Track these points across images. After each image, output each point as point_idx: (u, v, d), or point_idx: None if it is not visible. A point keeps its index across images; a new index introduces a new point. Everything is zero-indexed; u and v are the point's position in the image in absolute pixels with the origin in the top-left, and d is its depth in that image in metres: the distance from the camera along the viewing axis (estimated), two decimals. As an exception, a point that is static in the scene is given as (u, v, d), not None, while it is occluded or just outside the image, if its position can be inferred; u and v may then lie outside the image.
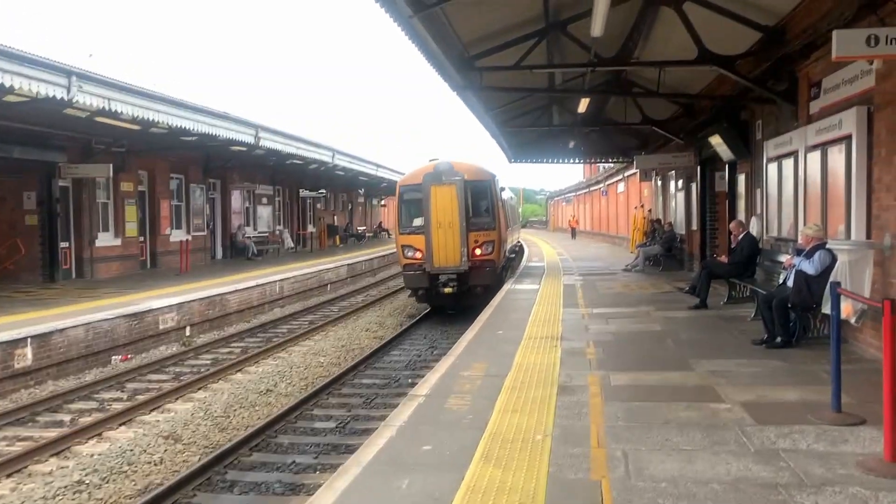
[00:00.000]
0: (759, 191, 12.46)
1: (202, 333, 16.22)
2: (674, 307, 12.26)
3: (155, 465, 7.84)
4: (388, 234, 56.11)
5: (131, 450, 8.17)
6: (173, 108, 15.05)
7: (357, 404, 10.18)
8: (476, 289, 16.37)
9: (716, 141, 13.38)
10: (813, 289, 8.21)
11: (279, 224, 33.95)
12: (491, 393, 6.63)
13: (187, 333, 15.69)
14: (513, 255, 23.69)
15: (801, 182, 9.79)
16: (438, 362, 8.24)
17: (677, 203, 20.12)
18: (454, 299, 16.74)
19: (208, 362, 13.46)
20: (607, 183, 38.67)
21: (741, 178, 13.38)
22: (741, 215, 13.39)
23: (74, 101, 11.42)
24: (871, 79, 7.81)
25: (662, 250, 19.84)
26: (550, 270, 20.90)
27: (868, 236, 7.97)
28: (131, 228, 21.28)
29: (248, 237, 28.63)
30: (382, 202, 61.89)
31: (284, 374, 12.14)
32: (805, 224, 9.02)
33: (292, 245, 33.54)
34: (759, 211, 12.48)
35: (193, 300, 16.00)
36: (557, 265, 22.97)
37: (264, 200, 31.84)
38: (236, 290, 18.04)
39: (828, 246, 8.22)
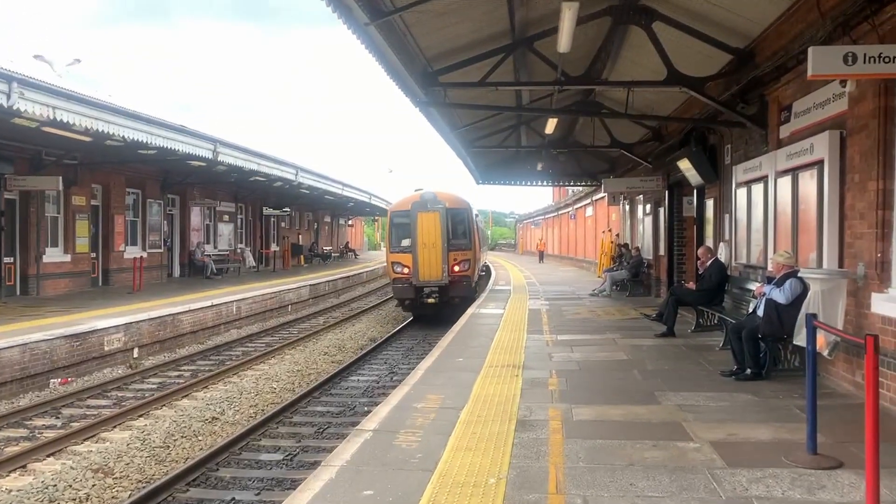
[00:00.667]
0: (727, 216, 12.21)
1: (151, 355, 15.51)
2: (640, 335, 11.90)
3: (80, 502, 7.20)
4: (355, 255, 55.56)
5: (55, 485, 7.52)
6: (128, 120, 14.42)
7: (308, 434, 9.62)
8: (454, 300, 18.94)
9: (684, 165, 13.15)
10: (784, 318, 7.88)
11: (241, 242, 33.18)
12: (445, 427, 6.13)
13: (135, 355, 14.97)
14: (483, 273, 26.09)
15: (772, 208, 9.52)
16: (391, 393, 7.72)
17: (645, 228, 19.91)
18: (435, 308, 19.18)
19: (154, 386, 12.79)
20: (575, 207, 38.58)
21: (709, 203, 13.15)
22: (709, 241, 13.14)
23: (15, 108, 10.77)
24: (843, 102, 7.55)
25: (629, 275, 19.57)
26: (517, 294, 20.50)
27: (841, 265, 7.68)
28: (82, 244, 20.45)
29: (208, 255, 27.85)
30: (350, 222, 61.29)
31: (234, 400, 11.52)
32: (775, 251, 8.72)
33: (254, 264, 32.77)
34: (727, 237, 12.22)
35: (143, 320, 15.29)
36: (524, 288, 22.60)
37: (226, 218, 31.09)
38: (189, 311, 17.34)
39: (799, 274, 7.91)
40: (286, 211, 34.68)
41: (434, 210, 18.32)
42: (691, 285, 11.57)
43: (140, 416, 10.67)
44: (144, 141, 14.91)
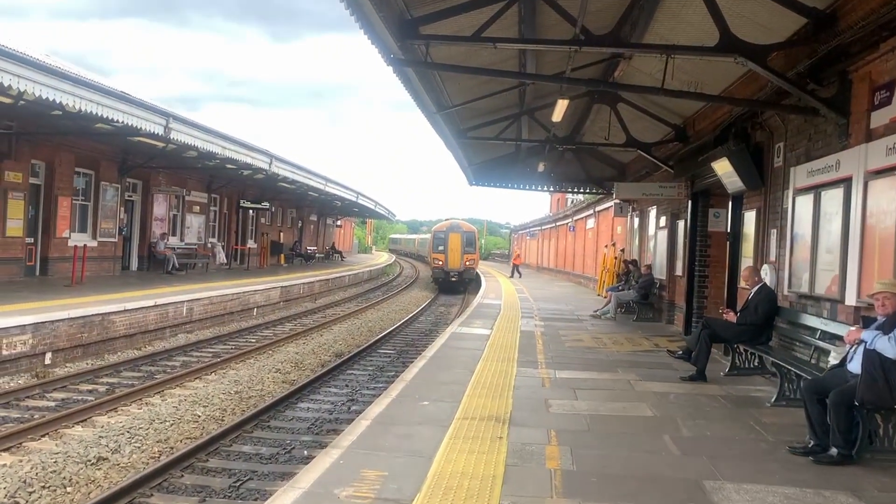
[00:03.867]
0: (774, 231, 9.74)
1: (70, 362, 12.98)
2: (662, 376, 9.37)
3: None
4: (341, 257, 52.98)
5: None
6: (51, 79, 11.85)
7: (219, 489, 7.12)
8: (465, 279, 34.35)
9: (722, 168, 10.68)
10: (893, 379, 5.41)
11: (213, 236, 30.56)
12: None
13: (46, 362, 12.41)
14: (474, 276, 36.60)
15: (857, 220, 7.04)
16: (306, 466, 5.15)
17: (658, 243, 17.42)
18: (456, 284, 34.02)
19: (53, 404, 10.25)
20: (575, 218, 36.11)
21: (750, 216, 10.67)
22: (747, 262, 10.66)
23: None
24: None
25: (638, 297, 17.08)
26: (507, 311, 17.97)
27: None
28: (14, 227, 17.80)
29: (171, 248, 25.23)
30: (338, 222, 58.68)
31: (138, 431, 8.98)
32: (875, 278, 6.21)
33: (224, 261, 30.14)
34: (773, 257, 9.74)
35: (61, 320, 12.72)
36: (516, 305, 20.07)
37: (196, 209, 28.47)
38: (126, 311, 14.76)
39: (919, 316, 5.43)
40: (265, 205, 32.04)
41: (457, 232, 35.49)
42: (731, 316, 9.06)
43: (6, 448, 8.13)
44: (71, 105, 12.35)
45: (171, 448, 8.50)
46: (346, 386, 12.45)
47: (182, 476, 7.51)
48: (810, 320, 8.03)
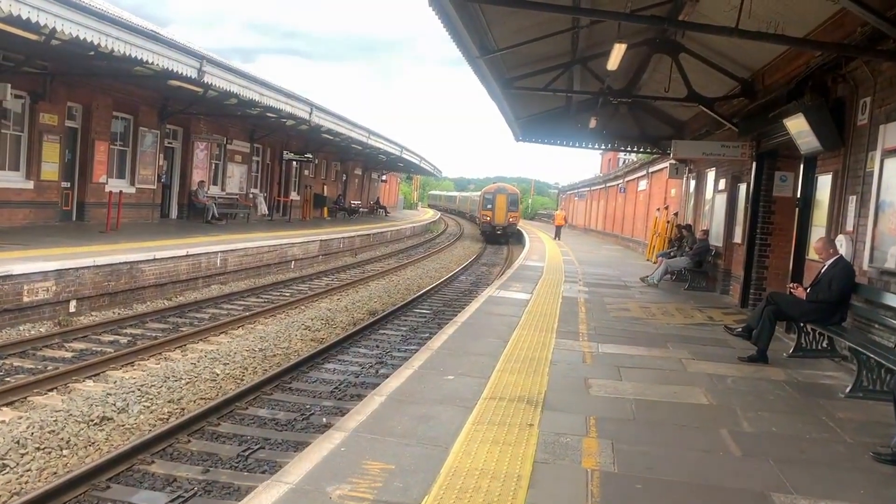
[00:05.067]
0: (853, 198, 8.63)
1: (96, 311, 12.64)
2: (717, 355, 8.45)
3: None
4: (385, 212, 52.40)
5: None
6: (70, 13, 11.19)
7: (226, 458, 6.57)
8: (509, 233, 40.23)
9: (796, 126, 9.53)
10: None
11: (255, 187, 30.15)
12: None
13: (71, 310, 12.07)
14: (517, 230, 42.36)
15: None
16: (299, 454, 4.43)
17: (715, 208, 16.23)
18: (500, 237, 39.88)
19: (69, 356, 9.84)
20: (626, 179, 34.70)
21: (825, 180, 9.53)
22: (819, 231, 9.56)
23: None
24: None
25: (691, 263, 16.00)
26: (549, 274, 17.08)
27: None
28: (50, 170, 17.51)
29: (211, 197, 24.86)
30: (384, 177, 58.02)
31: (151, 388, 8.51)
32: None
33: (266, 212, 29.76)
34: (850, 228, 8.65)
35: (86, 267, 12.34)
36: (560, 268, 19.15)
37: (238, 158, 28.02)
38: (155, 260, 14.35)
39: None
40: (308, 157, 31.43)
41: (503, 194, 41.71)
42: (800, 291, 8.05)
43: (9, 403, 7.70)
44: (97, 42, 11.71)
45: (182, 410, 7.99)
46: (377, 347, 11.84)
47: (189, 441, 6.98)
48: (891, 299, 7.00)
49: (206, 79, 15.02)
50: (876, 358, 6.41)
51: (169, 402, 8.21)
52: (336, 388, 9.32)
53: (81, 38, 11.17)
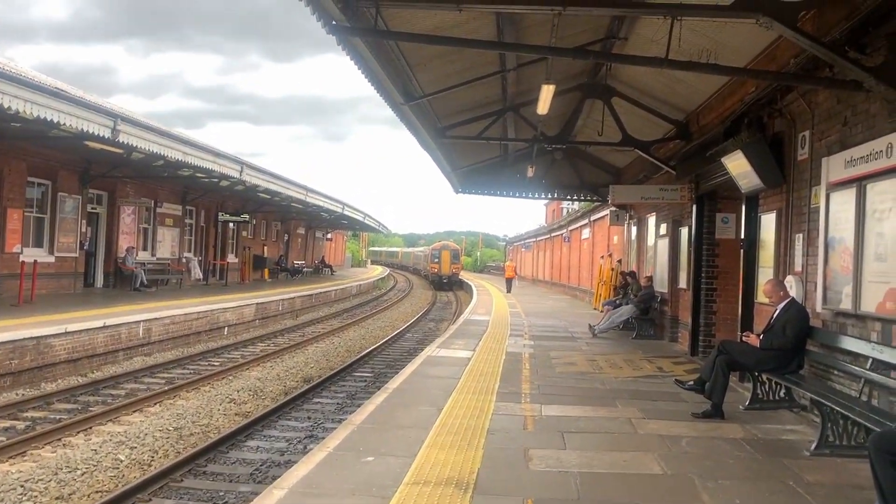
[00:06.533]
0: (800, 236, 8.20)
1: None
2: (668, 411, 7.78)
3: None
4: (331, 271, 51.34)
5: None
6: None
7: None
8: (453, 281, 51.79)
9: (735, 164, 9.15)
10: None
11: (188, 251, 28.95)
12: None
13: (-36, 394, 10.85)
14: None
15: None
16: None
17: (658, 253, 15.86)
18: (445, 284, 50.86)
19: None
20: (570, 228, 34.59)
21: (768, 219, 9.12)
22: (766, 273, 9.10)
23: None
24: None
25: (636, 311, 15.50)
26: (494, 328, 16.37)
27: None
28: (-48, 241, 16.26)
29: (140, 263, 23.62)
30: (328, 236, 57.08)
31: (38, 484, 7.47)
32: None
33: (200, 276, 28.52)
34: (798, 268, 8.20)
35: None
36: (505, 321, 18.48)
37: (169, 221, 26.87)
38: (67, 333, 13.20)
39: None
40: (244, 218, 30.43)
41: (447, 249, 54.58)
42: (753, 339, 7.49)
43: None
44: (1, 104, 10.78)
45: (66, 506, 6.96)
46: (308, 419, 10.93)
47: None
48: (855, 345, 6.46)
49: (122, 138, 14.11)
50: (840, 410, 5.81)
51: (57, 499, 7.15)
52: (257, 469, 8.41)
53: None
